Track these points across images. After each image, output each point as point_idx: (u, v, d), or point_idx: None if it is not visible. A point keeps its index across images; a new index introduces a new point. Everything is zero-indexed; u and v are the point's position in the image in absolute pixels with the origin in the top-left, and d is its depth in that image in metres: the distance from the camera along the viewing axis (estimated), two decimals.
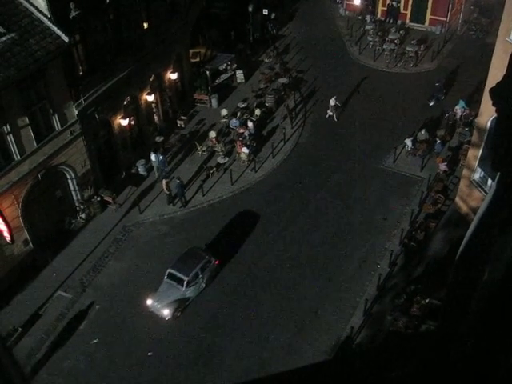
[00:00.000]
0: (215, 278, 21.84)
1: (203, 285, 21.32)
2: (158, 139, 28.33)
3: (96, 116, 23.86)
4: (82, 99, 22.80)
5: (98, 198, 24.64)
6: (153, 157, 26.24)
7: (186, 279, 20.51)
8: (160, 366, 19.22)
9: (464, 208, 23.24)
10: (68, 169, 23.24)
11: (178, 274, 20.66)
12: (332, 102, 29.33)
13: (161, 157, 26.12)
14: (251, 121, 28.75)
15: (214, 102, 31.16)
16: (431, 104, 30.13)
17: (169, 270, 20.90)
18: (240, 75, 33.00)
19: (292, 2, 41.61)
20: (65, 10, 20.87)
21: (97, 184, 25.01)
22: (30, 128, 20.70)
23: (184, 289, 20.53)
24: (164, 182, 24.97)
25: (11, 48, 19.29)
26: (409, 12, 37.50)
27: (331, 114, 29.72)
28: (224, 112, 29.88)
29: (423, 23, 37.31)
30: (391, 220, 24.05)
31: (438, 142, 26.72)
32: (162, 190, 25.33)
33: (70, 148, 22.83)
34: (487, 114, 20.10)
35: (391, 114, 30.07)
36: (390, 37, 35.42)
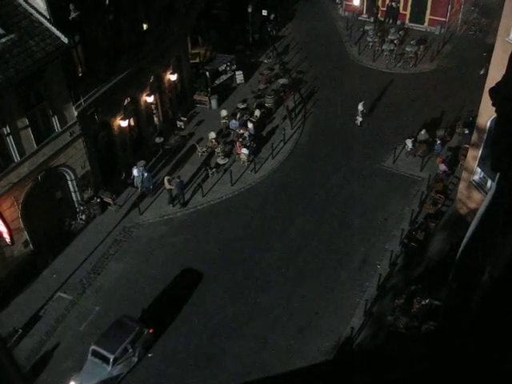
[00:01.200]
0: (153, 345, 19.63)
1: (135, 359, 18.86)
2: (158, 140, 28.35)
3: (96, 117, 23.87)
4: (82, 100, 22.81)
5: (98, 200, 24.64)
6: (135, 171, 25.41)
7: (111, 357, 18.02)
8: (160, 367, 19.21)
9: (464, 208, 23.24)
10: (68, 170, 23.24)
11: (103, 352, 18.13)
12: (360, 107, 28.82)
13: (145, 174, 25.18)
14: (251, 121, 28.75)
15: (214, 103, 31.16)
16: (481, 73, 30.40)
17: (92, 347, 18.39)
18: (240, 76, 33.00)
19: (291, 2, 41.63)
20: (64, 12, 20.86)
21: (97, 185, 25.01)
22: (29, 129, 20.70)
23: (110, 368, 18.05)
24: (166, 178, 24.95)
25: (11, 49, 19.30)
26: (408, 12, 37.50)
27: (361, 120, 29.04)
28: (224, 113, 29.89)
29: (423, 23, 37.29)
30: (391, 220, 24.04)
31: (438, 142, 26.73)
32: (164, 189, 25.34)
33: (69, 149, 22.83)
34: (487, 114, 20.10)
35: (390, 114, 30.07)
36: (390, 37, 35.42)
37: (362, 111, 28.90)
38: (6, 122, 19.74)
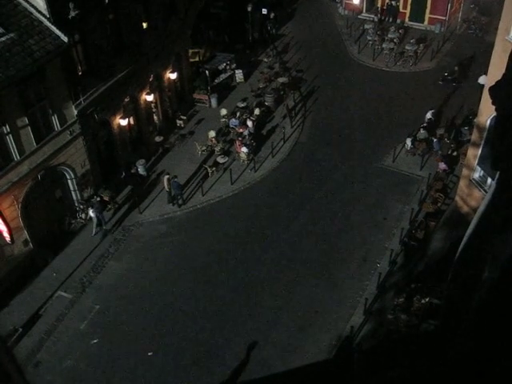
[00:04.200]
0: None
1: None
2: (158, 139, 28.36)
3: (95, 116, 23.86)
4: (82, 99, 22.80)
5: (98, 198, 24.65)
6: (90, 211, 23.55)
7: None
8: (160, 366, 19.23)
9: (464, 207, 23.24)
10: (67, 169, 23.24)
11: None
12: (429, 115, 28.02)
13: (93, 214, 23.43)
14: (251, 120, 28.75)
15: (214, 102, 31.16)
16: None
17: None
18: (239, 75, 32.99)
19: (291, 1, 41.60)
20: (64, 10, 20.85)
21: (96, 184, 25.01)
22: (29, 128, 20.69)
23: None
24: (165, 178, 24.95)
25: (10, 48, 19.29)
26: (408, 11, 37.49)
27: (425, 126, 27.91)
28: (223, 111, 29.88)
29: (422, 22, 37.26)
30: (391, 219, 24.05)
31: (435, 140, 26.64)
32: (163, 188, 25.35)
33: (69, 148, 22.83)
34: (486, 112, 20.10)
35: (390, 113, 30.06)
36: (390, 36, 35.42)
37: (430, 119, 27.94)
38: (6, 121, 19.72)
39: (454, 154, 26.28)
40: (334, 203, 25.02)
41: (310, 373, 18.97)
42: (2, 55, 18.93)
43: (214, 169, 26.78)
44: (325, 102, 31.43)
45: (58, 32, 20.46)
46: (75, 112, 22.61)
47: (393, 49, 34.63)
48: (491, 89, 3.90)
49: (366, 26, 37.24)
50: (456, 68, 31.57)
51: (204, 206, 25.40)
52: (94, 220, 23.68)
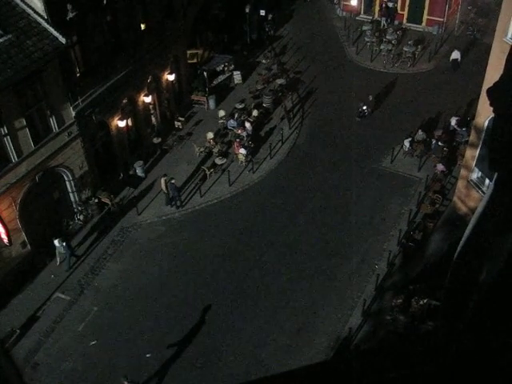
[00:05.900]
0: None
1: None
2: (156, 140, 28.35)
3: (93, 117, 23.85)
4: (80, 101, 22.79)
5: (96, 200, 24.62)
6: (56, 242, 22.22)
7: None
8: (158, 368, 19.20)
9: (462, 208, 23.27)
10: (66, 170, 23.22)
11: None
12: (453, 122, 27.40)
13: (58, 244, 22.26)
14: (249, 122, 28.75)
15: (212, 103, 31.16)
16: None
17: None
18: (237, 76, 33.00)
19: (289, 2, 41.64)
20: (62, 12, 20.86)
21: (94, 186, 24.98)
22: (27, 130, 20.67)
23: None
24: (163, 180, 24.94)
25: (8, 50, 19.28)
26: (406, 12, 37.54)
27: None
28: (221, 113, 29.88)
29: (420, 24, 37.33)
30: (389, 220, 24.06)
31: (434, 141, 26.71)
32: (161, 189, 25.34)
33: (67, 149, 22.80)
34: (484, 114, 20.13)
35: (388, 115, 30.08)
36: (387, 37, 35.46)
37: (454, 128, 27.19)
38: (4, 123, 19.70)
39: (448, 157, 26.29)
40: (332, 204, 25.03)
41: (309, 374, 18.97)
42: None
43: (212, 170, 26.77)
44: (323, 103, 31.44)
45: (55, 33, 20.45)
46: (73, 113, 22.59)
47: (391, 50, 34.68)
48: (489, 90, 3.90)
49: (364, 28, 37.26)
50: (371, 98, 29.65)
51: (202, 208, 25.39)
52: (60, 249, 22.37)
